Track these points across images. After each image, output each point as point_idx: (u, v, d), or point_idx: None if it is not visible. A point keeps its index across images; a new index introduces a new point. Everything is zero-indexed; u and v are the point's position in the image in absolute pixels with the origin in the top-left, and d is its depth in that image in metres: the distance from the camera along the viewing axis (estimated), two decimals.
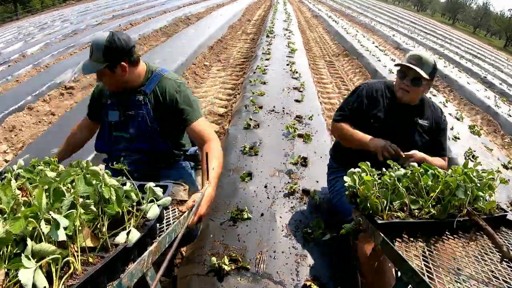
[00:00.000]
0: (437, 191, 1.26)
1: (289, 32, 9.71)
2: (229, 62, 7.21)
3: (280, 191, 2.42)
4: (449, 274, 1.04)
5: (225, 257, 1.77)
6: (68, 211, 0.90)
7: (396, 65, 1.95)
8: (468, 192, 1.22)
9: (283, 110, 3.96)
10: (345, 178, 1.36)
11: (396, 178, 1.28)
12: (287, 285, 1.70)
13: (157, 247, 1.06)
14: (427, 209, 1.24)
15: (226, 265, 1.73)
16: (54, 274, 0.79)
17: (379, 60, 7.89)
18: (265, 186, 2.46)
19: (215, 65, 6.97)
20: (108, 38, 1.62)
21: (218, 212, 2.18)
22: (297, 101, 4.34)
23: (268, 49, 7.31)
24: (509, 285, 1.03)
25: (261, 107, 3.99)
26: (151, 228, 1.06)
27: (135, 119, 1.80)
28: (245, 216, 2.12)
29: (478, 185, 1.29)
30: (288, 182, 2.53)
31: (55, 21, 13.16)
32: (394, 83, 2.01)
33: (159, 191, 1.20)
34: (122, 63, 1.67)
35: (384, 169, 1.39)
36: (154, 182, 1.74)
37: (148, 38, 8.68)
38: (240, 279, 1.70)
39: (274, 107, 4.02)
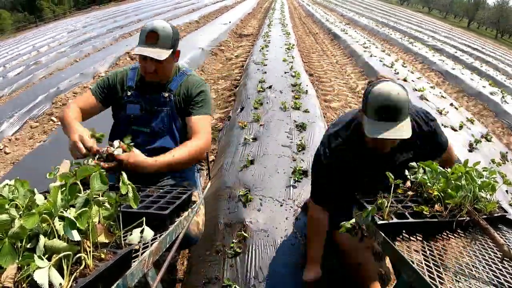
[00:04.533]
0: (436, 191, 1.22)
1: (282, 10, 17.66)
2: (257, 18, 15.39)
3: None
4: (449, 273, 1.00)
5: None
6: (82, 209, 0.89)
7: (368, 136, 1.34)
8: (469, 194, 1.18)
9: (280, 23, 12.18)
10: None
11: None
12: None
13: (158, 247, 1.03)
14: (427, 208, 1.19)
15: None
16: (65, 271, 0.78)
17: (321, 16, 16.54)
18: None
19: (257, 15, 16.26)
20: (170, 25, 1.63)
21: None
22: (282, 25, 11.83)
23: (272, 14, 15.15)
24: (510, 285, 0.99)
25: (272, 21, 12.58)
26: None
27: (158, 115, 1.72)
28: None
29: (479, 183, 1.24)
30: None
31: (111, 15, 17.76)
32: (359, 125, 1.47)
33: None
34: (178, 49, 1.69)
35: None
36: (156, 179, 1.72)
37: (211, 13, 15.39)
38: None
39: (276, 22, 12.39)
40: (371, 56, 7.78)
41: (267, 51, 7.01)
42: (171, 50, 1.62)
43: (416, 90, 5.49)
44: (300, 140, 2.92)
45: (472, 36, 24.26)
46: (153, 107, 1.72)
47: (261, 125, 3.29)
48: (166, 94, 1.73)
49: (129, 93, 1.74)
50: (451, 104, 5.23)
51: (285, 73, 5.25)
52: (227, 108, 4.47)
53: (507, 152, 4.04)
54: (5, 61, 9.24)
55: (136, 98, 1.73)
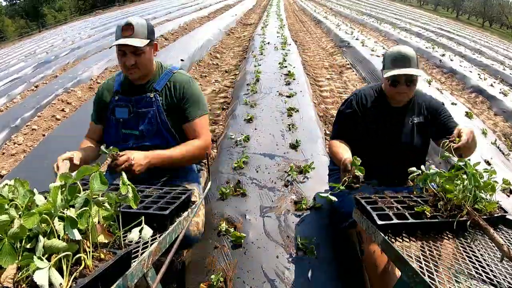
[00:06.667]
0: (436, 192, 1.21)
1: (278, 5, 20.18)
2: (257, 13, 17.77)
3: None
4: (449, 273, 0.99)
5: None
6: (82, 209, 0.88)
7: (386, 77, 1.71)
8: (469, 194, 1.17)
9: (276, 14, 15.55)
10: None
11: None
12: None
13: (157, 247, 1.02)
14: (428, 208, 1.19)
15: None
16: (65, 271, 0.77)
17: (314, 11, 18.75)
18: None
19: (257, 11, 18.87)
20: (145, 19, 1.67)
21: None
22: (278, 15, 15.08)
23: (269, 8, 18.01)
24: (509, 285, 0.98)
25: (269, 13, 16.11)
26: None
27: (146, 116, 1.70)
28: None
29: (480, 184, 1.23)
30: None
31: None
32: (382, 86, 1.84)
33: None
34: (155, 42, 1.72)
35: None
36: (159, 181, 1.72)
37: (218, 10, 17.83)
38: None
39: (273, 14, 15.80)
40: (340, 30, 11.42)
41: (266, 29, 10.68)
42: (149, 40, 1.63)
43: (373, 50, 8.22)
44: (284, 60, 6.40)
45: (456, 24, 24.95)
46: (140, 109, 1.71)
47: (263, 55, 7.10)
48: (152, 95, 1.71)
49: (116, 97, 1.75)
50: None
51: (277, 37, 9.13)
52: (241, 56, 8.06)
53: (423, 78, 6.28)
54: (52, 45, 12.38)
55: (123, 101, 1.74)
